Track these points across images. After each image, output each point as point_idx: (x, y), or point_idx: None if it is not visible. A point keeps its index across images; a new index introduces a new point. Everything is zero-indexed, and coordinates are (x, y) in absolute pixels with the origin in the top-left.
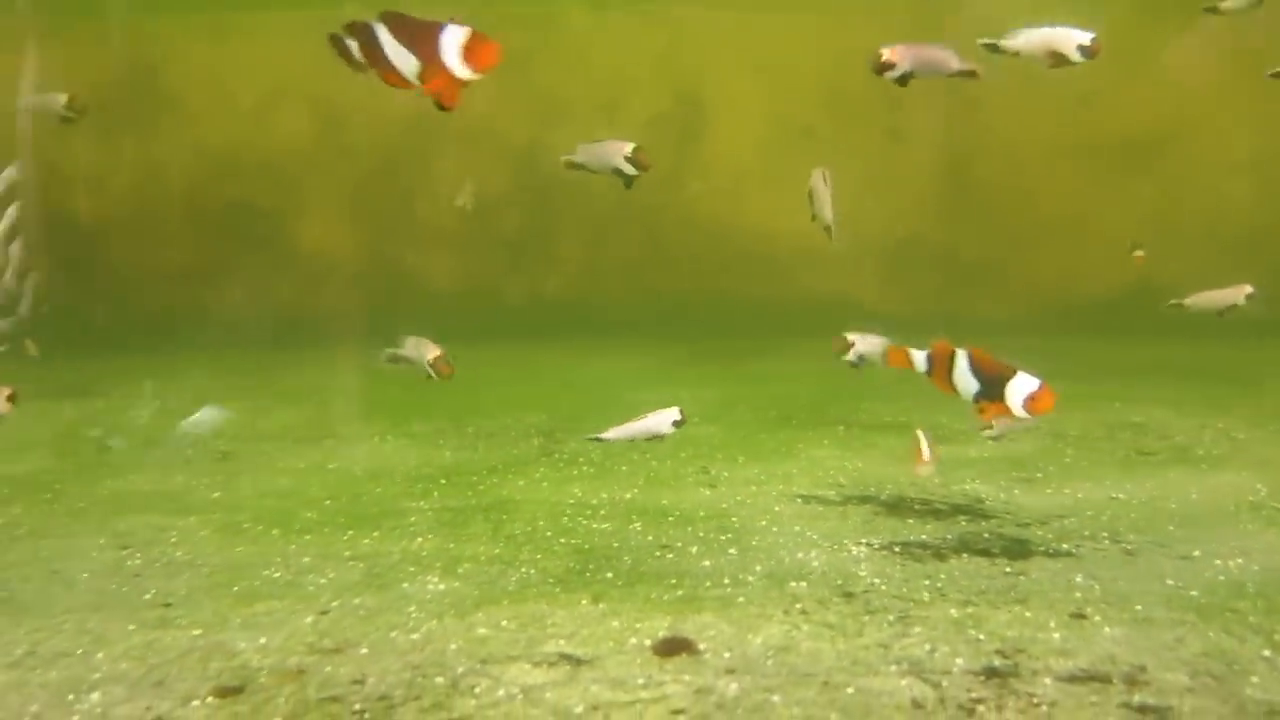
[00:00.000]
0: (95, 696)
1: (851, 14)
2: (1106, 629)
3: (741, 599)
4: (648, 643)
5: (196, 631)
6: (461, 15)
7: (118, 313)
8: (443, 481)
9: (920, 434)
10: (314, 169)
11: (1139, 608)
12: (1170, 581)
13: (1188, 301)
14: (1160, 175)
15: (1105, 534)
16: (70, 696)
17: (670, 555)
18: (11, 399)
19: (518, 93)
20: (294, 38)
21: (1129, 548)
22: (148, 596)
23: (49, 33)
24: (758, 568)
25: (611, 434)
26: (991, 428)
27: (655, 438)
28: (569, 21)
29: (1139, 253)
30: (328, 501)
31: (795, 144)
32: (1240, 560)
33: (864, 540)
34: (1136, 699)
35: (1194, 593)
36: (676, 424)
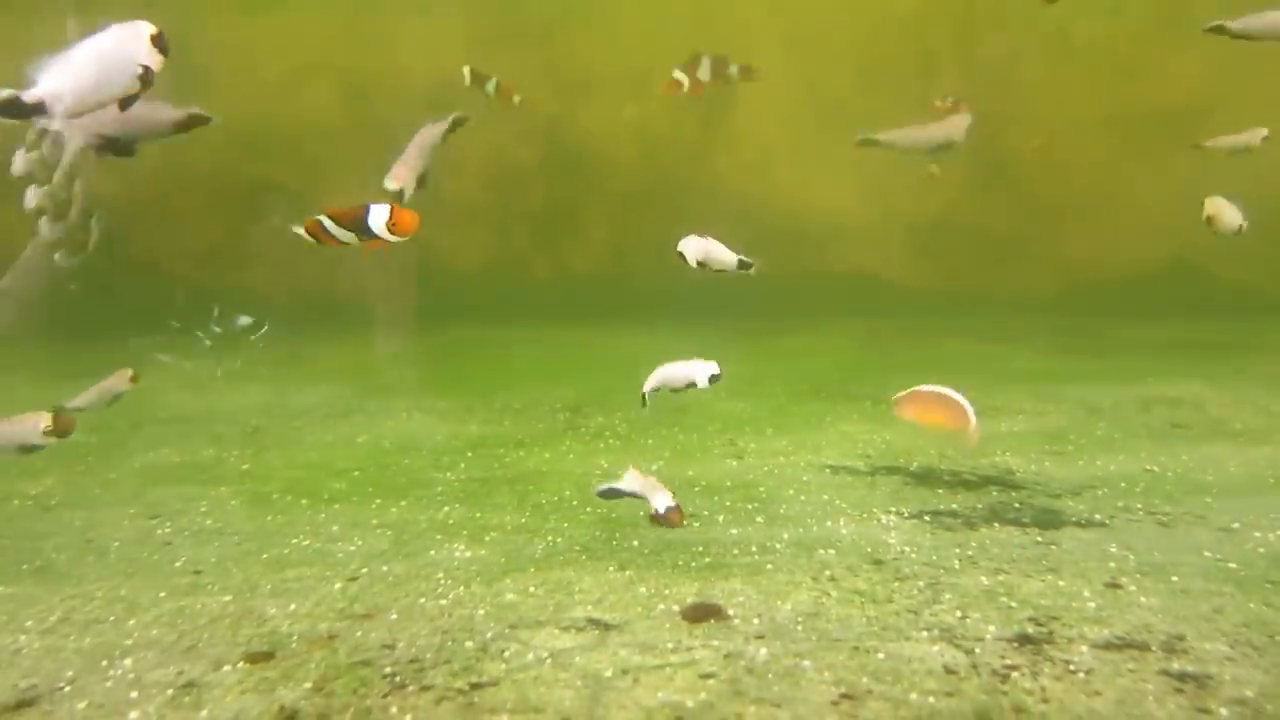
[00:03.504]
0: (128, 662)
1: None
2: (1142, 599)
3: (770, 566)
4: (676, 609)
5: (227, 598)
6: None
7: (144, 294)
8: (469, 454)
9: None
10: (340, 145)
11: (1175, 578)
12: (1208, 553)
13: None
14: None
15: (1139, 505)
16: (104, 662)
17: (697, 524)
18: (134, 379)
19: (545, 64)
20: (321, 10)
21: (1164, 519)
22: (178, 564)
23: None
24: (786, 536)
25: (650, 383)
26: None
27: (690, 385)
28: None
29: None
30: (356, 473)
31: (826, 116)
32: None
33: (893, 510)
34: (1176, 667)
35: (1232, 564)
36: (714, 379)
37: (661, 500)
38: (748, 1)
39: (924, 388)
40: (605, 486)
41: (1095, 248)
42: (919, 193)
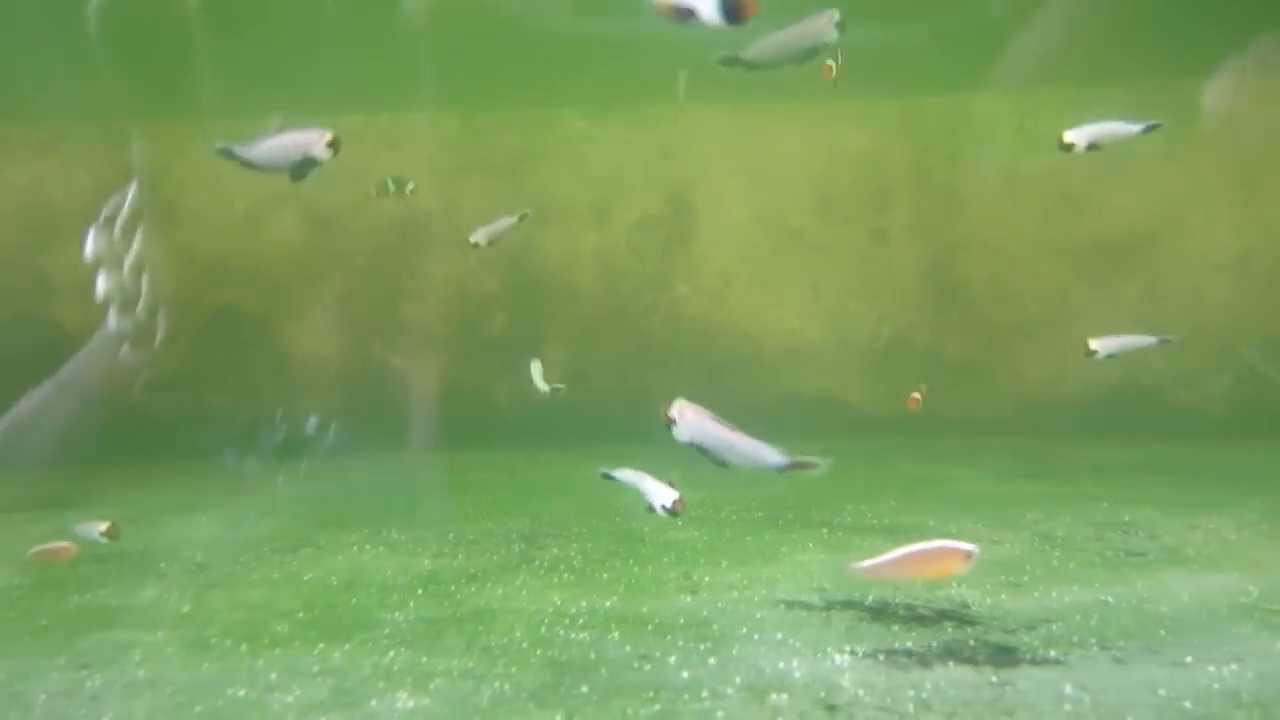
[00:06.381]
0: None
1: (840, 117)
2: None
3: (720, 714)
4: None
5: None
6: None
7: (103, 421)
8: (419, 591)
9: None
10: (302, 274)
11: None
12: (1162, 691)
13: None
14: (1143, 275)
15: (1094, 640)
16: None
17: (648, 666)
18: (109, 533)
19: (510, 195)
20: None
21: (1119, 655)
22: None
23: (50, 138)
24: (738, 679)
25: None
26: None
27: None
28: (565, 125)
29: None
30: (300, 614)
31: (783, 245)
32: (1234, 667)
33: (847, 648)
34: None
35: (1187, 704)
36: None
37: (663, 497)
38: (707, 136)
39: (904, 551)
40: (607, 472)
41: (1047, 370)
42: (874, 317)
